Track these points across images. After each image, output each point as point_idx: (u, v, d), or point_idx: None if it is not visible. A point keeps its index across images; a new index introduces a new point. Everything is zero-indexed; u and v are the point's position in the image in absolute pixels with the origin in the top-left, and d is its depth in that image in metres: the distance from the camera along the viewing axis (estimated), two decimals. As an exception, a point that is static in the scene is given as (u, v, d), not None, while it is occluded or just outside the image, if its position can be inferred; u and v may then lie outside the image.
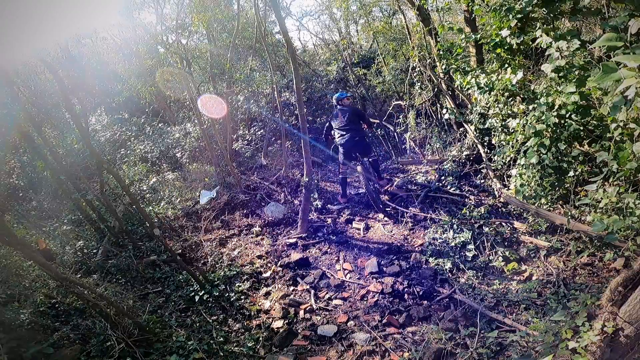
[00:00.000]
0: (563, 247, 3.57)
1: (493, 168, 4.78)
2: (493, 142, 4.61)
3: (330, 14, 10.21)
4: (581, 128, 3.32)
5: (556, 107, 3.26)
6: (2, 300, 3.11)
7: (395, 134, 7.03)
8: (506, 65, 4.04)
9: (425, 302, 3.31)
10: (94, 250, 4.37)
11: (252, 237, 4.73)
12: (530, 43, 3.86)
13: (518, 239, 3.87)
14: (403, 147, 6.92)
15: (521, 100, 4.00)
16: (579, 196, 3.51)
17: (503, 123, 4.25)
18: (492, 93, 4.11)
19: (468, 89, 4.44)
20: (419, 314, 3.14)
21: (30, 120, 4.63)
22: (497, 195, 4.46)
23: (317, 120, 7.92)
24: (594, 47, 3.50)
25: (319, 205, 5.23)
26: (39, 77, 6.76)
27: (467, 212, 4.33)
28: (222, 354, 2.92)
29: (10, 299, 3.17)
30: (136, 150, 7.24)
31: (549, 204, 3.81)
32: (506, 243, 3.85)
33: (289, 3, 21.54)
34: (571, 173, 3.44)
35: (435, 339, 2.81)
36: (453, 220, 4.28)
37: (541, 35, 3.33)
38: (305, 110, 4.88)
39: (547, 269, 3.38)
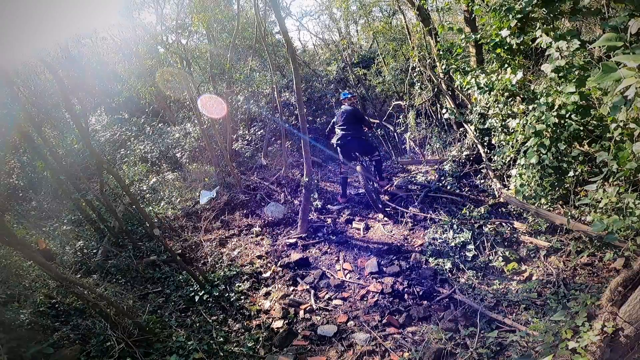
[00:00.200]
0: (563, 247, 3.57)
1: (493, 168, 4.78)
2: (493, 142, 4.61)
3: (330, 14, 10.21)
4: (581, 128, 3.32)
5: (556, 107, 3.26)
6: (2, 300, 3.10)
7: (395, 134, 7.04)
8: (506, 65, 4.05)
9: (425, 302, 3.31)
10: (94, 251, 4.37)
11: (252, 237, 4.73)
12: (530, 43, 3.86)
13: (518, 239, 3.87)
14: (403, 147, 6.92)
15: (521, 100, 4.00)
16: (579, 196, 3.51)
17: (503, 123, 4.25)
18: (492, 93, 4.12)
19: (468, 89, 4.45)
20: (419, 314, 3.14)
21: (30, 120, 4.63)
22: (497, 195, 4.46)
23: (317, 120, 7.92)
24: (594, 47, 3.50)
25: (319, 205, 5.24)
26: (39, 77, 6.77)
27: (467, 212, 4.33)
28: (222, 354, 2.92)
29: (10, 299, 3.16)
30: (136, 151, 7.24)
31: (549, 204, 3.81)
32: (506, 243, 3.85)
33: (289, 3, 21.60)
34: (571, 173, 3.44)
35: (435, 339, 2.81)
36: (453, 220, 4.28)
37: (541, 35, 3.34)
38: (305, 110, 4.89)
39: (547, 269, 3.38)
